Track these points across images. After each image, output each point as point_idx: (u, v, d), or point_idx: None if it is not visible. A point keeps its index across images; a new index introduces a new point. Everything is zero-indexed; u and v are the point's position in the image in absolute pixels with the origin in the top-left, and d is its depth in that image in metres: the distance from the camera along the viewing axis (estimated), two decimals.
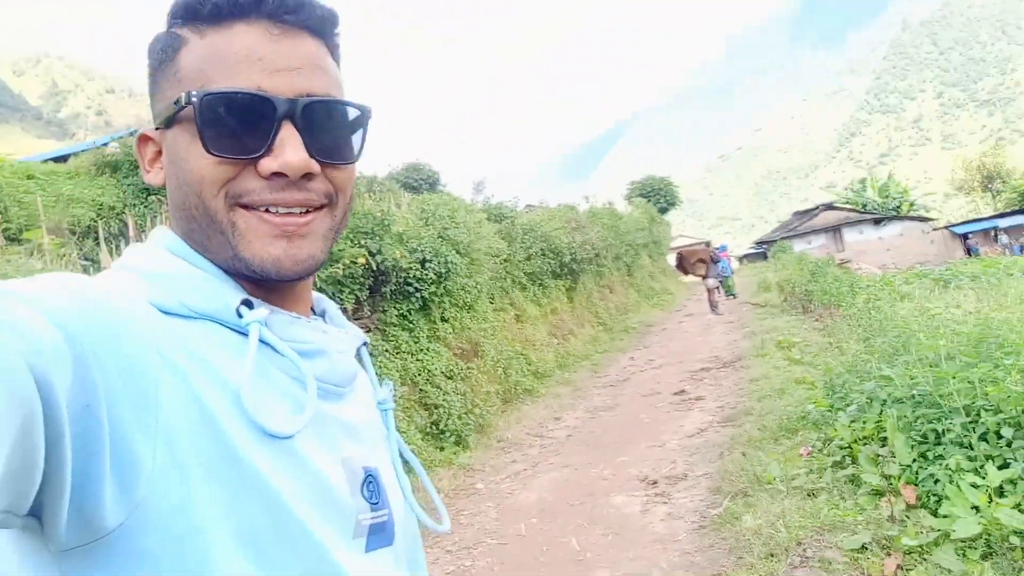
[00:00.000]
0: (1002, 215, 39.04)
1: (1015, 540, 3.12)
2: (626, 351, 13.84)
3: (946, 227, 41.99)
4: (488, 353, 9.52)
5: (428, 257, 8.37)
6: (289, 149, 0.64)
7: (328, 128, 0.68)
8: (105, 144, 11.91)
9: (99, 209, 9.48)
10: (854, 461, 4.56)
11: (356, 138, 0.71)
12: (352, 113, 0.70)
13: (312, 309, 0.79)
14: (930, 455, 4.01)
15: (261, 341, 0.64)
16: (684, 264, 21.48)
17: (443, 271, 8.56)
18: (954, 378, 4.17)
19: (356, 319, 7.40)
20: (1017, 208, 37.30)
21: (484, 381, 9.02)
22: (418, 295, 8.27)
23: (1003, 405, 3.82)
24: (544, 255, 13.99)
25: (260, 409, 0.59)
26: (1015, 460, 3.55)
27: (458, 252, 9.19)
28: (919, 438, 4.17)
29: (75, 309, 0.50)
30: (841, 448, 4.82)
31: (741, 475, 5.00)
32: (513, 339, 11.21)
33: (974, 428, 3.87)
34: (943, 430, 4.03)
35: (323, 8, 0.69)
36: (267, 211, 0.65)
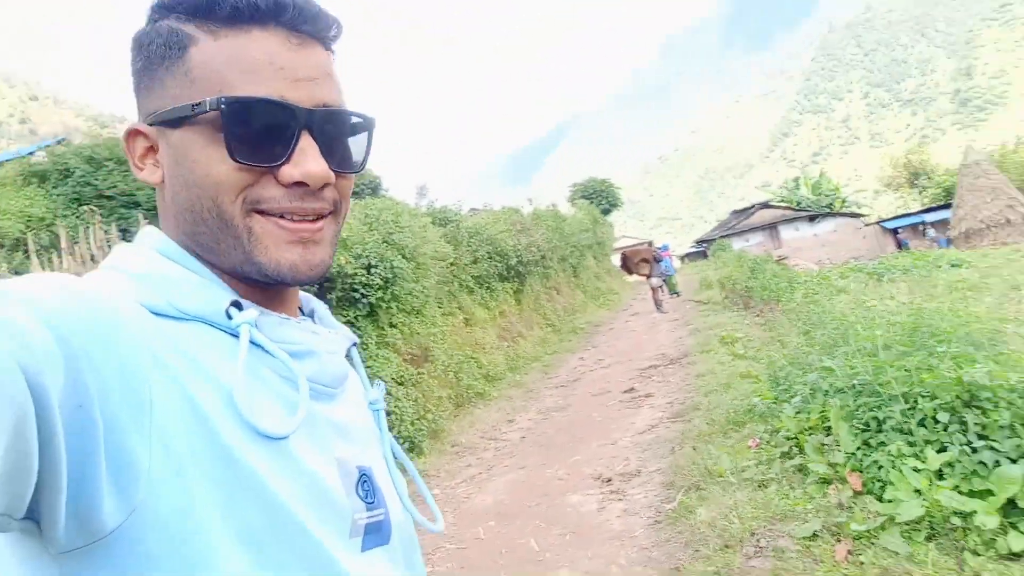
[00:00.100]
0: (929, 210, 40.54)
1: (956, 520, 3.26)
2: (575, 351, 13.94)
3: (877, 223, 43.42)
4: (438, 358, 9.48)
5: (374, 263, 8.28)
6: (311, 159, 0.65)
7: (340, 138, 0.69)
8: (31, 153, 11.49)
9: (28, 220, 9.09)
10: (801, 451, 4.68)
11: (362, 147, 0.72)
12: (359, 123, 0.71)
13: (300, 309, 0.79)
14: (873, 442, 4.15)
15: (251, 342, 0.64)
16: (628, 264, 21.73)
17: (389, 276, 8.48)
18: (892, 367, 4.33)
19: None
20: (942, 203, 38.81)
21: (435, 386, 8.97)
22: (365, 301, 8.17)
23: (938, 391, 3.97)
24: (491, 258, 14.00)
25: (253, 410, 0.59)
26: (951, 444, 3.70)
27: (404, 257, 9.12)
28: (861, 426, 4.31)
29: (66, 309, 0.49)
30: (788, 439, 4.95)
31: (693, 469, 5.09)
32: (463, 343, 11.19)
33: (912, 414, 4.02)
34: (884, 417, 4.17)
35: (334, 19, 0.70)
36: (282, 217, 0.65)
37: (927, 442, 3.83)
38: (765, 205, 47.72)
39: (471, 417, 9.01)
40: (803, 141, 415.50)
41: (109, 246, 6.61)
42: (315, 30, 0.67)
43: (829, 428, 4.58)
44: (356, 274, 7.97)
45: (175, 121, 0.65)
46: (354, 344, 0.81)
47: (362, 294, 8.10)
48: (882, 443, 4.08)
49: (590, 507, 5.07)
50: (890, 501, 3.58)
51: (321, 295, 7.50)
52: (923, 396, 4.05)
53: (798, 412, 5.12)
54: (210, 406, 0.57)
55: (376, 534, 0.70)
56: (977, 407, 3.80)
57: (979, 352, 4.66)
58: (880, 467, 3.92)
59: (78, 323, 0.49)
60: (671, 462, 5.54)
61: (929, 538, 3.30)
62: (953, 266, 16.48)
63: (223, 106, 0.62)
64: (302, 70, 0.65)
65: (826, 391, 4.98)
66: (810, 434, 4.73)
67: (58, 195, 9.91)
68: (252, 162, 0.64)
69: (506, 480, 6.17)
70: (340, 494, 0.66)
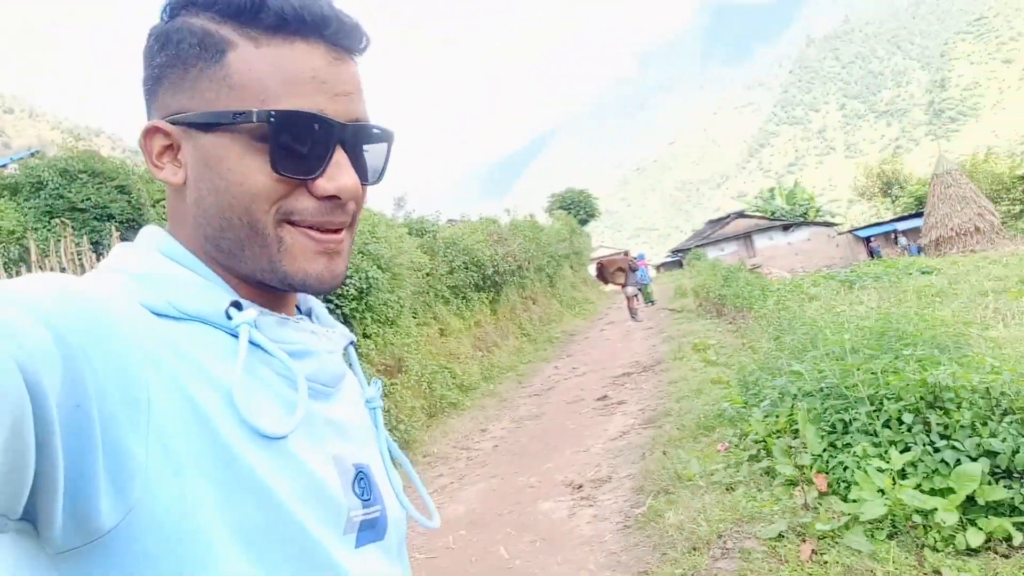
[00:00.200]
0: (901, 219, 41.19)
1: (917, 518, 3.30)
2: (550, 360, 13.96)
3: (850, 231, 44.04)
4: (412, 368, 9.43)
5: (348, 272, 8.23)
6: (345, 174, 0.66)
7: (365, 152, 0.70)
8: (3, 166, 11.37)
9: None
10: (769, 454, 4.72)
11: (381, 160, 0.73)
12: (380, 135, 0.72)
13: (297, 307, 0.79)
14: (839, 444, 4.19)
15: (251, 342, 0.64)
16: (604, 273, 21.81)
17: (364, 287, 8.46)
18: (859, 370, 4.38)
19: None
20: (914, 212, 39.41)
21: (409, 396, 8.92)
22: (338, 311, 8.12)
23: (903, 393, 4.03)
24: (467, 268, 14.01)
25: (252, 410, 0.59)
26: (915, 443, 3.75)
27: (379, 267, 9.10)
28: (828, 428, 4.36)
29: (64, 309, 0.49)
30: (756, 442, 4.98)
31: (663, 474, 5.11)
32: (437, 353, 11.15)
33: (878, 416, 4.07)
34: (850, 419, 4.22)
35: (366, 33, 0.70)
36: (312, 228, 0.67)
37: (891, 443, 3.88)
38: (740, 215, 48.23)
39: (444, 427, 8.97)
40: (779, 152, 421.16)
41: (80, 259, 6.51)
42: (352, 44, 0.68)
43: (797, 431, 4.61)
44: None
45: (209, 125, 0.64)
46: (351, 342, 0.82)
47: (336, 304, 8.06)
48: (848, 444, 4.12)
49: (561, 514, 5.05)
50: (854, 501, 3.61)
51: None
52: (889, 398, 4.11)
53: (767, 416, 5.16)
54: (209, 406, 0.57)
55: (371, 530, 0.70)
56: (940, 408, 3.86)
57: (944, 355, 4.73)
58: (845, 468, 3.96)
59: (76, 323, 0.49)
60: (641, 467, 5.55)
61: (891, 536, 3.34)
62: (923, 273, 16.74)
63: (271, 119, 0.62)
64: (340, 85, 0.66)
65: (794, 395, 5.02)
66: (778, 437, 4.76)
67: (30, 208, 9.73)
68: (293, 175, 0.64)
69: (478, 489, 6.14)
70: (337, 492, 0.66)
